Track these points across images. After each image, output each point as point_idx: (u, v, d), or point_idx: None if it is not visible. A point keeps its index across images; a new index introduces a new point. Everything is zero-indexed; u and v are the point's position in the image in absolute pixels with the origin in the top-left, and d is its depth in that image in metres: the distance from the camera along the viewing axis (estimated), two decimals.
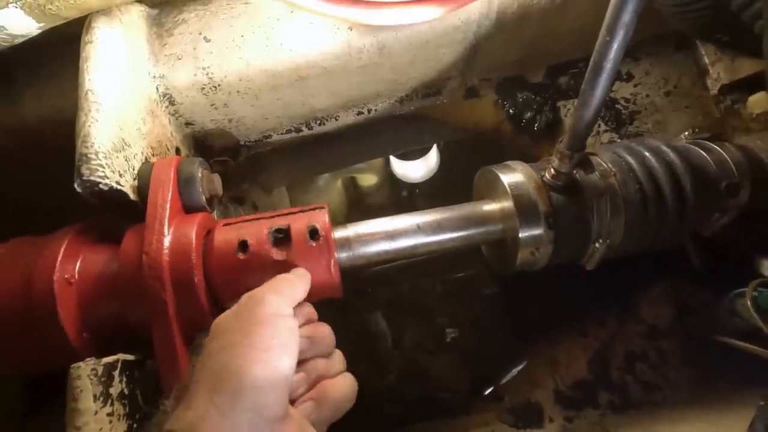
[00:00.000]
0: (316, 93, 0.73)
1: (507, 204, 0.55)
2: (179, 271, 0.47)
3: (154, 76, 0.65)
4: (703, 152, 0.61)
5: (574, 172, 0.54)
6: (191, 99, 0.68)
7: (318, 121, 0.81)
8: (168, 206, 0.50)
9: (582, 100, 0.46)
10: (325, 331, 0.45)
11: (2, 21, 0.51)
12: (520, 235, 0.53)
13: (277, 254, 0.48)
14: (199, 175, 0.55)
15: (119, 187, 0.50)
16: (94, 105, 0.51)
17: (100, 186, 0.48)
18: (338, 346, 0.46)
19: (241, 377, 0.34)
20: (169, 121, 0.68)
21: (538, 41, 0.75)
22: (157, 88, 0.65)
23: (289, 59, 0.66)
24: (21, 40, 0.56)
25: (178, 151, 0.69)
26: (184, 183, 0.54)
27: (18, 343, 0.47)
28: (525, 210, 0.54)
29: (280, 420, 0.35)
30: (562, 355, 0.71)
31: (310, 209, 0.52)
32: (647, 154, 0.58)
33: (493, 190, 0.58)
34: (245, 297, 0.40)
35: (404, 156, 1.18)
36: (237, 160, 0.83)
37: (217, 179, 0.59)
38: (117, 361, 0.45)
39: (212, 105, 0.70)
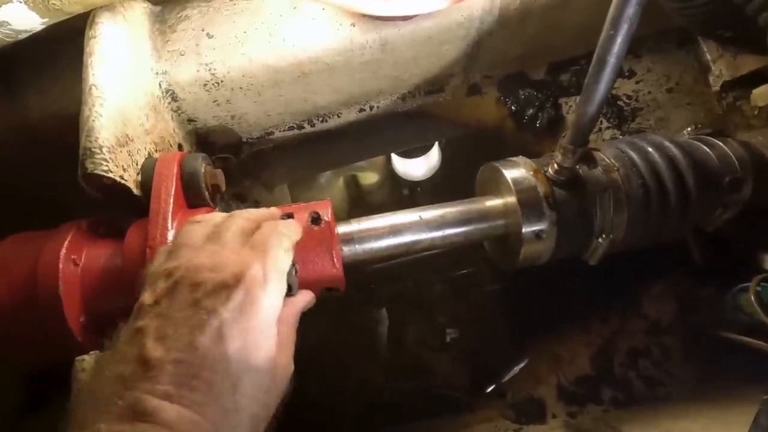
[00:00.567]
0: (319, 89, 0.73)
1: (510, 199, 0.55)
2: None
3: (157, 73, 0.65)
4: (706, 147, 0.61)
5: (577, 167, 0.55)
6: (194, 95, 0.68)
7: (320, 118, 0.81)
8: (171, 201, 0.50)
9: (585, 94, 0.46)
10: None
11: (6, 16, 0.51)
12: (523, 230, 0.53)
13: None
14: (202, 170, 0.55)
15: (123, 182, 0.50)
16: (98, 100, 0.51)
17: (104, 180, 0.48)
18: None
19: None
20: (172, 118, 0.68)
21: (540, 38, 0.75)
22: (159, 85, 0.65)
23: (291, 55, 0.66)
24: (25, 35, 0.56)
25: (180, 147, 0.69)
26: (187, 178, 0.54)
27: (23, 336, 0.47)
28: (528, 205, 0.54)
29: None
30: (565, 351, 0.71)
31: (314, 203, 0.53)
32: (650, 149, 0.58)
33: (496, 185, 0.58)
34: None
35: (406, 154, 1.18)
36: (239, 157, 0.83)
37: (219, 174, 0.59)
38: None
39: (215, 101, 0.70)
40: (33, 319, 0.46)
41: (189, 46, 0.65)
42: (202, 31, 0.66)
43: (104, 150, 0.48)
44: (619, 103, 0.79)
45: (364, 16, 0.64)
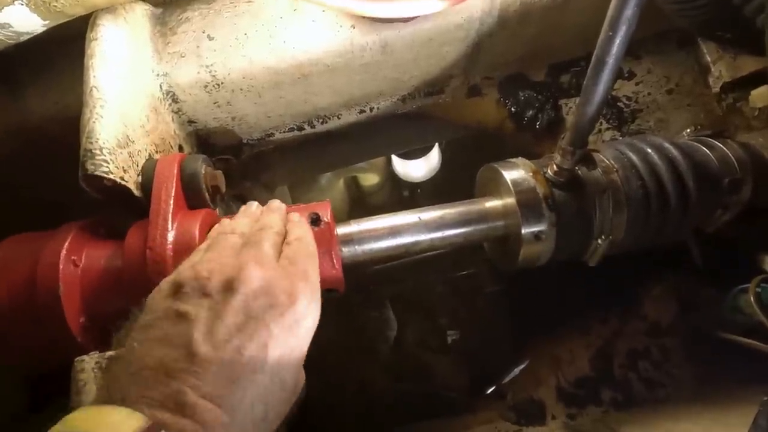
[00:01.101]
0: (319, 91, 0.73)
1: (509, 200, 0.55)
2: None
3: (158, 74, 0.65)
4: (705, 149, 0.61)
5: (577, 168, 0.55)
6: (194, 97, 0.68)
7: (320, 120, 0.81)
8: (171, 202, 0.50)
9: (584, 96, 0.47)
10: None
11: (7, 18, 0.51)
12: (522, 231, 0.54)
13: None
14: (203, 171, 0.55)
15: (123, 183, 0.50)
16: (99, 101, 0.51)
17: (104, 181, 0.49)
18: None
19: None
20: (173, 119, 0.69)
21: (540, 39, 0.75)
22: (160, 86, 0.65)
23: (291, 57, 0.67)
24: (26, 37, 0.56)
25: (181, 149, 0.69)
26: (187, 179, 0.54)
27: (23, 337, 0.47)
28: (527, 206, 0.54)
29: None
30: (565, 353, 0.71)
31: (313, 204, 0.53)
32: (649, 150, 0.58)
33: (496, 186, 0.58)
34: None
35: (406, 155, 1.18)
36: (240, 158, 0.83)
37: (220, 176, 0.59)
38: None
39: (215, 103, 0.70)
40: (33, 319, 0.46)
41: (190, 48, 0.66)
42: (203, 33, 0.66)
43: (105, 151, 0.49)
44: (618, 104, 0.79)
45: (364, 18, 0.64)
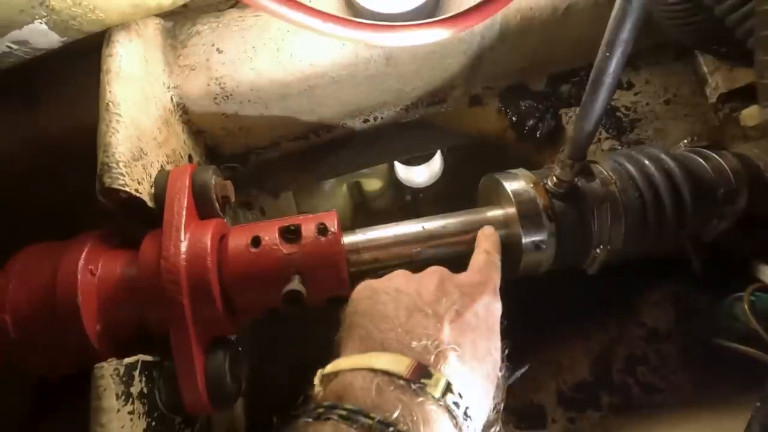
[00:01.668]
0: (325, 102, 0.75)
1: (510, 210, 0.57)
2: (196, 275, 0.49)
3: (169, 87, 0.67)
4: (701, 160, 0.62)
5: (576, 179, 0.56)
6: (204, 108, 0.70)
7: (325, 129, 0.83)
8: (184, 213, 0.52)
9: (583, 111, 0.48)
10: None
11: (27, 36, 0.53)
12: (523, 240, 0.55)
13: (287, 249, 0.51)
14: (213, 182, 0.57)
15: (138, 195, 0.52)
16: (115, 116, 0.53)
17: (121, 194, 0.50)
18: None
19: None
20: (183, 130, 0.70)
21: (540, 51, 0.77)
22: (171, 98, 0.67)
23: (298, 70, 0.68)
24: (43, 53, 0.58)
25: (190, 158, 0.71)
26: (198, 190, 0.56)
27: (42, 344, 0.49)
28: (528, 216, 0.55)
29: None
30: (565, 358, 0.73)
31: (321, 214, 0.55)
32: (647, 162, 0.60)
33: (497, 196, 0.60)
34: None
35: (408, 161, 1.19)
36: (246, 167, 0.85)
37: (229, 186, 0.61)
38: (137, 361, 0.47)
39: (223, 114, 0.72)
40: (52, 327, 0.48)
41: (200, 61, 0.68)
42: (213, 46, 0.68)
43: (121, 164, 0.50)
44: (617, 114, 0.81)
45: None
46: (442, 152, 1.23)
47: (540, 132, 0.82)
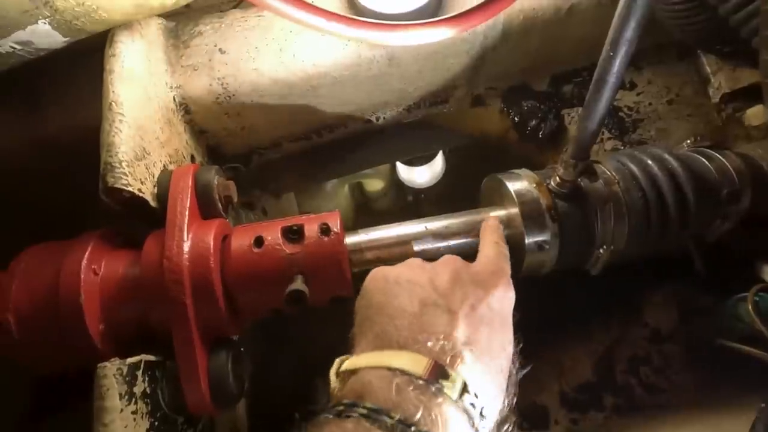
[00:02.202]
0: (327, 102, 0.75)
1: (513, 210, 0.57)
2: (198, 275, 0.49)
3: (171, 87, 0.67)
4: (704, 160, 0.62)
5: (579, 180, 0.56)
6: (206, 108, 0.70)
7: (327, 129, 0.83)
8: (187, 213, 0.52)
9: (586, 111, 0.48)
10: None
11: (30, 36, 0.53)
12: (526, 240, 0.55)
13: (290, 249, 0.51)
14: (215, 182, 0.57)
15: (141, 195, 0.52)
16: (118, 116, 0.53)
17: (123, 193, 0.50)
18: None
19: None
20: (185, 130, 0.70)
21: (543, 51, 0.77)
22: (174, 98, 0.67)
23: (301, 70, 0.68)
24: (46, 53, 0.58)
25: (192, 158, 0.71)
26: (201, 190, 0.56)
27: (45, 343, 0.49)
28: (531, 216, 0.55)
29: None
30: (568, 359, 0.73)
31: (323, 214, 0.55)
32: (650, 162, 0.60)
33: (500, 196, 0.60)
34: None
35: (410, 162, 1.19)
36: (248, 167, 0.85)
37: (232, 186, 0.61)
38: (140, 361, 0.47)
39: (226, 114, 0.72)
40: (55, 327, 0.48)
41: (202, 61, 0.68)
42: (215, 46, 0.68)
43: (124, 164, 0.50)
44: (620, 114, 0.81)
45: None
46: (444, 153, 1.23)
47: (542, 132, 0.82)
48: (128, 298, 0.50)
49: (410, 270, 0.47)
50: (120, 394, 0.43)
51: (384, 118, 0.84)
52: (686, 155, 0.63)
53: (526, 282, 0.60)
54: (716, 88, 0.75)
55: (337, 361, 0.41)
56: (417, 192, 1.33)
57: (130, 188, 0.50)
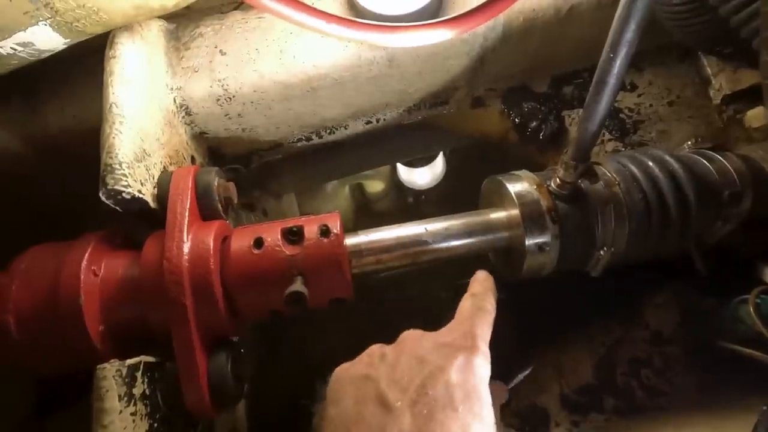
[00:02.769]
0: (327, 103, 0.75)
1: (513, 212, 0.57)
2: (198, 276, 0.49)
3: (172, 88, 0.67)
4: (705, 162, 0.62)
5: (579, 181, 0.56)
6: (207, 109, 0.70)
7: (328, 130, 0.83)
8: (187, 214, 0.52)
9: (586, 113, 0.48)
10: None
11: (31, 37, 0.53)
12: (526, 242, 0.55)
13: (290, 250, 0.51)
14: (215, 183, 0.57)
15: (141, 196, 0.52)
16: (118, 117, 0.53)
17: (123, 195, 0.50)
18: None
19: None
20: (185, 131, 0.71)
21: (543, 52, 0.77)
22: (174, 100, 0.67)
23: (301, 71, 0.69)
24: (47, 54, 0.58)
25: (193, 159, 0.71)
26: (201, 192, 0.56)
27: (45, 344, 0.49)
28: (531, 218, 0.55)
29: None
30: (568, 360, 0.72)
31: (323, 215, 0.55)
32: (650, 163, 0.60)
33: (500, 198, 0.60)
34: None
35: (411, 163, 1.20)
36: (249, 168, 0.85)
37: (232, 187, 0.61)
38: (139, 362, 0.47)
39: (226, 115, 0.72)
40: (55, 328, 0.48)
41: (203, 62, 0.68)
42: (215, 48, 0.68)
43: (124, 166, 0.51)
44: (621, 115, 0.81)
45: None
46: (444, 154, 1.23)
47: (543, 134, 0.82)
48: (128, 299, 0.50)
49: (366, 363, 0.42)
50: (119, 396, 0.43)
51: (384, 119, 0.84)
52: (687, 157, 0.63)
53: (526, 284, 0.60)
54: (717, 89, 0.75)
55: None
56: (417, 193, 1.33)
57: (130, 189, 0.50)
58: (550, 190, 0.57)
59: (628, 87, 0.81)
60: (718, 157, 0.63)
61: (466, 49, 0.72)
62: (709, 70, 0.76)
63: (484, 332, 0.44)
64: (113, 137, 0.52)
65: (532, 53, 0.77)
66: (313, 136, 0.83)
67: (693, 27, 0.59)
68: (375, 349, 0.45)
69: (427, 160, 1.18)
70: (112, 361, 0.44)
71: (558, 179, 0.56)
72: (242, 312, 0.53)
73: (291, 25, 0.68)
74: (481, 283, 0.51)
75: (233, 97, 0.69)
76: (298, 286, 0.49)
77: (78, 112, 0.70)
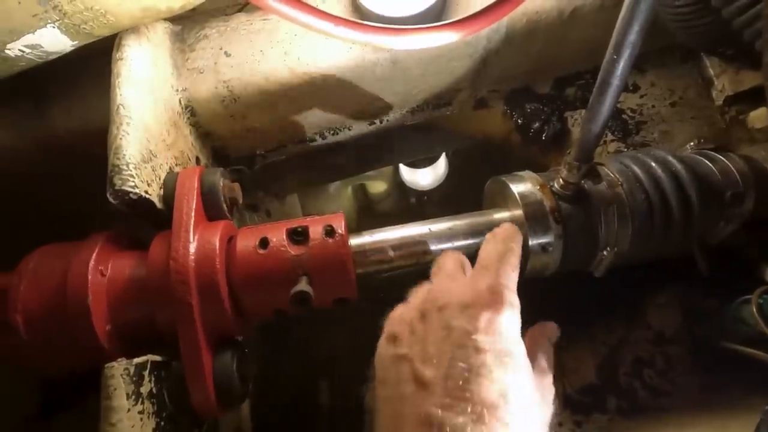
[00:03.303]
0: (331, 104, 0.76)
1: (517, 212, 0.57)
2: (204, 276, 0.49)
3: (178, 90, 0.68)
4: (708, 162, 0.62)
5: (582, 182, 0.56)
6: (212, 111, 0.71)
7: (331, 131, 0.83)
8: (193, 214, 0.52)
9: (590, 114, 0.48)
10: None
11: (39, 40, 0.54)
12: (529, 243, 0.55)
13: (295, 250, 0.51)
14: (221, 184, 0.58)
15: (147, 196, 0.53)
16: (125, 119, 0.54)
17: (131, 195, 0.51)
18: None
19: None
20: (190, 132, 0.71)
21: (546, 54, 0.77)
22: (180, 101, 0.68)
23: (305, 73, 0.69)
24: (54, 56, 0.59)
25: (198, 160, 0.71)
26: (206, 192, 0.56)
27: (53, 344, 0.49)
28: (534, 218, 0.55)
29: None
30: (571, 360, 0.73)
31: (328, 216, 0.55)
32: (653, 164, 0.60)
33: (503, 199, 0.60)
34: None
35: (413, 164, 1.20)
36: (253, 169, 0.85)
37: (237, 188, 0.61)
38: (147, 361, 0.47)
39: (231, 116, 0.73)
40: (62, 327, 0.49)
41: (208, 64, 0.68)
42: (221, 49, 0.69)
43: (131, 167, 0.51)
44: (623, 116, 0.81)
45: None
46: (447, 155, 1.23)
47: (545, 135, 0.82)
48: (135, 299, 0.51)
49: (397, 339, 0.41)
50: (127, 394, 0.43)
51: (387, 120, 0.84)
52: (690, 157, 0.63)
53: (529, 284, 0.60)
54: (719, 90, 0.75)
55: None
56: (420, 194, 1.34)
57: (137, 190, 0.51)
58: (554, 190, 0.57)
59: (631, 88, 0.82)
60: (721, 157, 0.63)
61: (470, 51, 0.72)
62: (711, 71, 0.76)
63: (510, 280, 0.42)
64: (121, 138, 0.52)
65: (535, 55, 0.77)
66: (317, 138, 0.84)
67: (696, 28, 0.60)
68: (398, 318, 0.43)
69: (429, 161, 1.19)
70: (119, 360, 0.45)
71: (561, 180, 0.56)
72: (248, 312, 0.53)
73: (295, 27, 0.69)
74: (506, 227, 0.49)
75: (238, 98, 0.70)
76: (303, 285, 0.50)
77: (85, 113, 0.70)
